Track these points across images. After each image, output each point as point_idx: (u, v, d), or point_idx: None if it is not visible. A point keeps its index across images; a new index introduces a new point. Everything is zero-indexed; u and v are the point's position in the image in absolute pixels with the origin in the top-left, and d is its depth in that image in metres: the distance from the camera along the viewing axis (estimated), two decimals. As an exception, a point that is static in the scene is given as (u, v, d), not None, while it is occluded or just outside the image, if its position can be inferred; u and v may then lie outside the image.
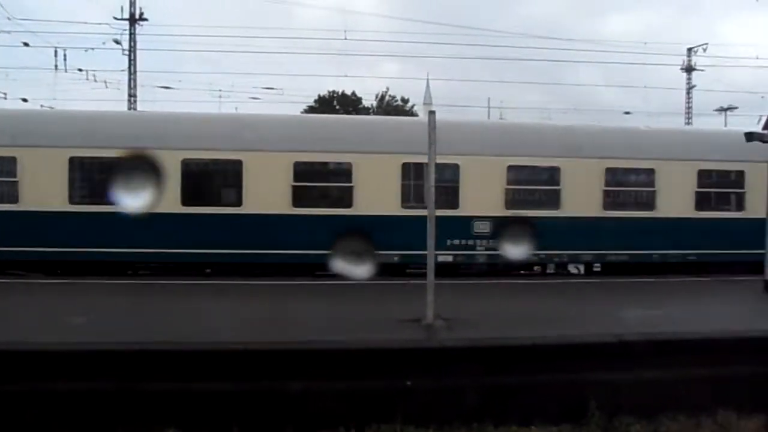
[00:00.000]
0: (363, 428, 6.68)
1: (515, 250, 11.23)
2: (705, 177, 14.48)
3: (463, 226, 13.34)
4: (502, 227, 12.35)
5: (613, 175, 14.14)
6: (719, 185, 14.91)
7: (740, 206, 14.48)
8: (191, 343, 7.20)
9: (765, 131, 12.12)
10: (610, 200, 14.09)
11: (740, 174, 14.44)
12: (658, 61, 70.20)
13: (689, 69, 42.76)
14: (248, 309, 9.65)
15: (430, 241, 8.27)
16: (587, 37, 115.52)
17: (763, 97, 33.92)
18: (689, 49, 42.15)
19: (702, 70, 42.49)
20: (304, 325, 8.34)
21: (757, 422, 7.21)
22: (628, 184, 14.58)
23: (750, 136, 12.07)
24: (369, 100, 50.52)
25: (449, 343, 7.55)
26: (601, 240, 13.60)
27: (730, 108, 43.25)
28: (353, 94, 49.39)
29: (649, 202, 14.27)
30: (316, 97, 48.29)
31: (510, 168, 13.71)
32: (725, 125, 36.37)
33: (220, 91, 39.79)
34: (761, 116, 15.51)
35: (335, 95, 49.15)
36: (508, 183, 13.67)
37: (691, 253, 13.99)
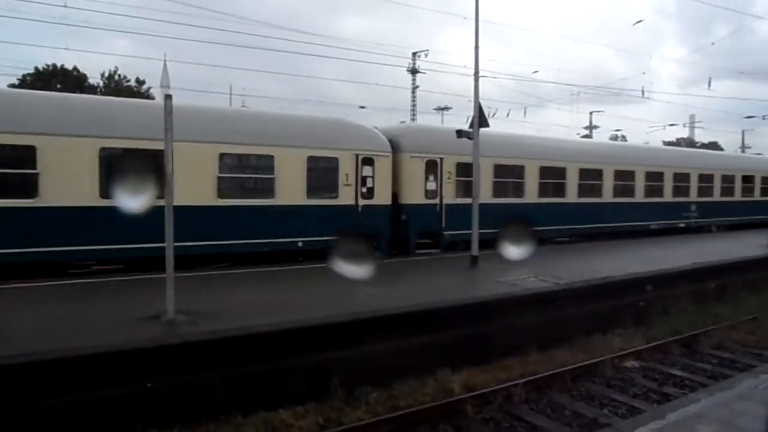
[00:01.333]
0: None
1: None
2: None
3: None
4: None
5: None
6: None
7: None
8: None
9: (470, 129, 14.20)
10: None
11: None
12: (389, 61, 77.34)
13: (414, 71, 47.94)
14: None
15: (169, 229, 7.75)
16: (327, 33, 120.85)
17: (469, 100, 39.51)
18: (414, 54, 47.21)
19: (424, 73, 48.02)
20: (21, 335, 7.15)
21: (466, 374, 8.55)
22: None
23: (459, 133, 14.11)
24: (95, 78, 45.20)
25: (192, 338, 7.28)
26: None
27: (446, 108, 49.76)
28: (75, 69, 43.68)
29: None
30: (33, 71, 41.41)
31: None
32: (442, 122, 41.58)
33: None
34: (468, 116, 18.20)
35: (55, 70, 42.78)
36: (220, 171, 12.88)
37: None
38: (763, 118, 51.54)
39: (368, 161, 14.82)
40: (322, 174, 14.28)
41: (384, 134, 15.62)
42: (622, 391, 8.64)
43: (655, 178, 22.51)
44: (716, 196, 25.10)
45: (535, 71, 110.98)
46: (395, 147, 15.56)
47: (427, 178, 16.09)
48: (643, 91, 45.83)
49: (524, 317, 10.08)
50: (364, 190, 14.76)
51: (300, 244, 13.74)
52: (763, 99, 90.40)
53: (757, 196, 27.51)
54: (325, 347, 7.85)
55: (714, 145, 55.75)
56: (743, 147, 54.43)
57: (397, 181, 15.59)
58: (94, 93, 40.69)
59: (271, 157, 13.37)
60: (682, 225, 23.41)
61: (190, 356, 7.08)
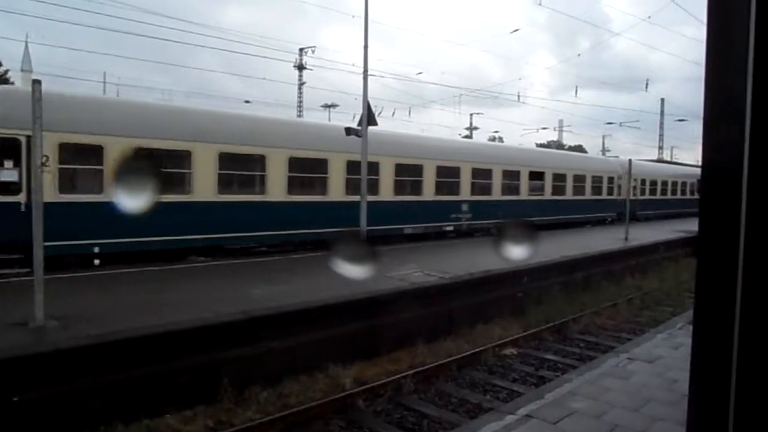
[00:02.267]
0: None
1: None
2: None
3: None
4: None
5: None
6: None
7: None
8: None
9: (359, 127, 14.36)
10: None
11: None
12: (275, 56, 75.89)
13: (300, 67, 47.39)
14: None
15: (37, 227, 7.12)
16: (208, 23, 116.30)
17: (356, 98, 39.86)
18: (301, 49, 46.73)
19: (311, 69, 47.70)
20: None
21: (357, 369, 8.66)
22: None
23: (348, 131, 14.23)
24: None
25: (64, 345, 6.73)
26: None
27: (333, 105, 49.82)
28: None
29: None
30: None
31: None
32: (329, 120, 41.61)
33: None
34: (355, 114, 18.40)
35: None
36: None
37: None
38: (620, 125, 57.18)
39: None
40: None
41: None
42: (502, 377, 9.20)
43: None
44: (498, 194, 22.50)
45: (420, 72, 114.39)
46: None
47: None
48: (519, 96, 48.95)
49: (412, 311, 10.40)
50: None
51: None
52: (621, 107, 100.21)
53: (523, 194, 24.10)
54: (216, 347, 7.60)
55: (579, 148, 60.66)
56: (603, 150, 59.86)
57: None
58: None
59: None
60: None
61: (63, 364, 6.54)
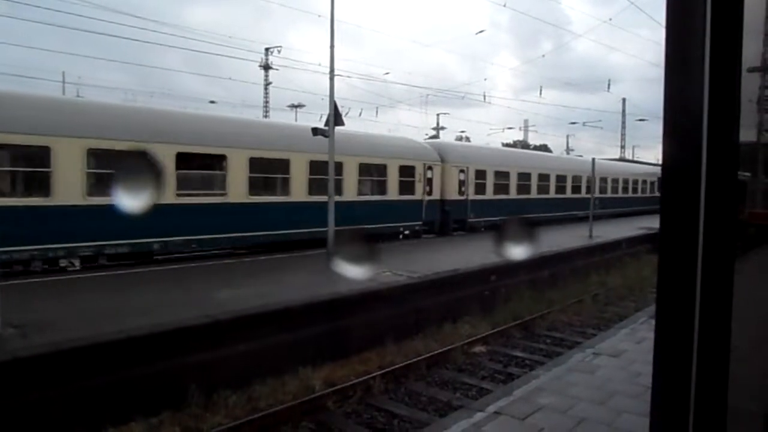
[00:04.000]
0: None
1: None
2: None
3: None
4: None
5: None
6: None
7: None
8: None
9: (326, 127, 14.29)
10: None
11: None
12: (241, 55, 74.95)
13: (266, 67, 46.86)
14: None
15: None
16: (172, 22, 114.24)
17: (323, 99, 39.72)
18: (267, 49, 46.23)
19: (277, 69, 47.25)
20: None
21: (327, 370, 8.63)
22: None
23: (314, 131, 14.15)
24: None
25: (23, 353, 6.52)
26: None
27: (300, 105, 49.45)
28: None
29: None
30: None
31: None
32: (296, 120, 41.30)
33: None
34: (322, 114, 18.31)
35: None
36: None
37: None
38: (584, 124, 58.32)
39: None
40: None
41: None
42: (471, 374, 9.29)
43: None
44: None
45: (387, 73, 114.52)
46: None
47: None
48: (484, 96, 49.47)
49: (381, 311, 10.41)
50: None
51: None
52: (583, 108, 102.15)
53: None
54: (181, 352, 7.47)
55: (544, 147, 61.67)
56: (567, 149, 60.99)
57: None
58: None
59: None
60: None
61: (20, 374, 6.34)
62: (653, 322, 1.16)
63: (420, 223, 20.37)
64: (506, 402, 5.91)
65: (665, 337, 1.14)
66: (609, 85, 50.87)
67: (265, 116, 44.04)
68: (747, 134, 1.45)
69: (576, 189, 30.18)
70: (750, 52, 1.20)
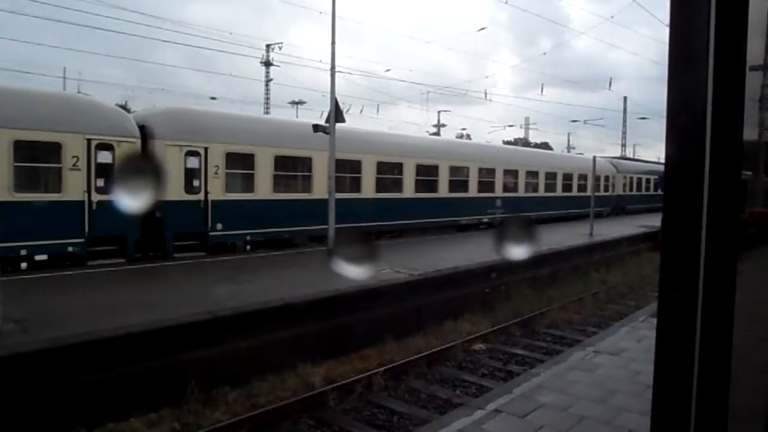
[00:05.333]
0: None
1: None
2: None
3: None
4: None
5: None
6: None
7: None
8: None
9: (327, 124, 14.29)
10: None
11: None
12: (241, 52, 74.87)
13: (267, 63, 46.88)
14: None
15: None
16: (172, 18, 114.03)
17: (324, 95, 39.66)
18: (268, 46, 46.20)
19: (278, 66, 47.23)
20: None
21: (326, 367, 8.63)
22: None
23: (316, 128, 14.15)
24: None
25: (23, 348, 6.53)
26: None
27: (301, 102, 49.43)
28: None
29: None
30: None
31: None
32: (297, 116, 41.24)
33: None
34: (323, 111, 18.31)
35: None
36: None
37: None
38: (585, 122, 58.29)
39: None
40: None
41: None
42: (472, 372, 9.28)
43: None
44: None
45: (388, 69, 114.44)
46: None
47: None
48: (485, 94, 49.38)
49: (381, 308, 10.40)
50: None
51: None
52: (585, 105, 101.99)
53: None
54: (181, 348, 7.48)
55: (545, 145, 61.64)
56: (569, 147, 60.94)
57: None
58: None
59: None
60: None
61: (21, 369, 6.35)
62: (654, 320, 1.16)
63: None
64: (506, 400, 5.92)
65: (667, 335, 1.14)
66: (610, 83, 50.73)
67: (266, 113, 44.01)
68: (749, 132, 1.45)
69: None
70: (752, 50, 1.19)
